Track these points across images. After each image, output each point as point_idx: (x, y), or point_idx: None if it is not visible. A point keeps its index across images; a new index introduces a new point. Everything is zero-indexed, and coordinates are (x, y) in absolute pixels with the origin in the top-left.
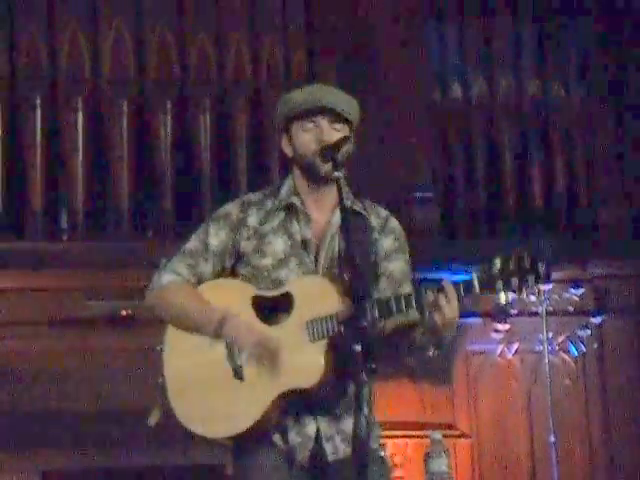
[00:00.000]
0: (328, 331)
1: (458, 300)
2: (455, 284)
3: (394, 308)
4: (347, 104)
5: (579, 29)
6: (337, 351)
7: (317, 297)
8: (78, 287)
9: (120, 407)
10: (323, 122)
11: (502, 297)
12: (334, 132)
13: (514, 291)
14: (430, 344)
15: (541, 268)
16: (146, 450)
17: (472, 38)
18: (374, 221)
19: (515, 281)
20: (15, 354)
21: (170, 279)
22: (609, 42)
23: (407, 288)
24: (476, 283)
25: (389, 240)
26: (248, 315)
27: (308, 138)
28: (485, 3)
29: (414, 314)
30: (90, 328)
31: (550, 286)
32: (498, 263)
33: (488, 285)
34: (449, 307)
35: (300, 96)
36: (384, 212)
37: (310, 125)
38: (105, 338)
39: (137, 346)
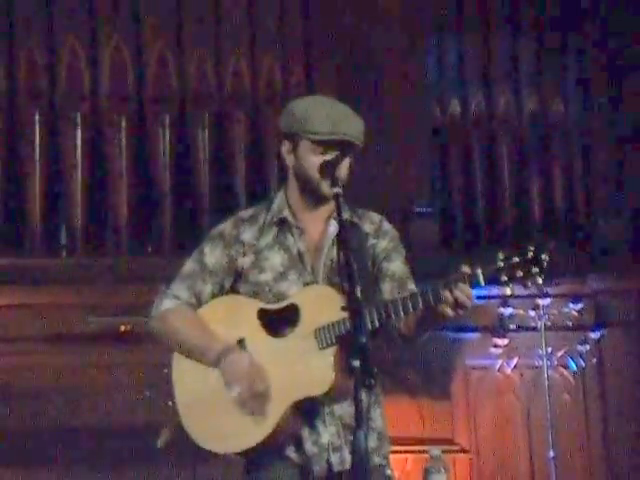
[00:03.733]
0: (337, 337)
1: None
2: (462, 278)
3: (392, 311)
4: (360, 131)
5: (577, 45)
6: (346, 358)
7: (323, 306)
8: (77, 303)
9: (120, 422)
10: (336, 150)
11: (507, 290)
12: (344, 159)
13: (519, 282)
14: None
15: (544, 260)
16: (146, 465)
17: (471, 55)
18: (368, 227)
19: (519, 273)
20: (15, 370)
21: (170, 304)
22: (607, 58)
23: (412, 285)
24: (481, 277)
25: (385, 241)
26: (255, 329)
27: (318, 162)
28: (484, 20)
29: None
30: (89, 344)
31: (549, 301)
32: (502, 256)
33: (493, 277)
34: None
35: (322, 122)
36: (377, 217)
37: (322, 149)
38: (104, 354)
39: (137, 361)
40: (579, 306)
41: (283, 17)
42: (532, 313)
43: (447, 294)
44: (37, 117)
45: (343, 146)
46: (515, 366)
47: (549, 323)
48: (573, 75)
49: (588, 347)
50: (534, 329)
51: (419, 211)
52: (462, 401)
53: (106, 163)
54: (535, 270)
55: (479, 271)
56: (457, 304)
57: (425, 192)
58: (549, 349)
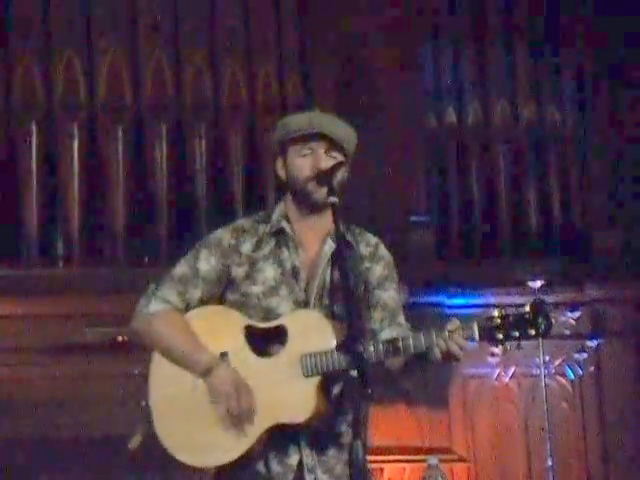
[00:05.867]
0: (323, 367)
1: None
2: (457, 330)
3: (401, 349)
4: (344, 132)
5: (573, 53)
6: (329, 387)
7: (312, 332)
8: (74, 314)
9: (118, 433)
10: (320, 149)
11: (502, 349)
12: (330, 159)
13: (515, 341)
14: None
15: (542, 323)
16: (147, 476)
17: (467, 63)
18: (364, 250)
19: (515, 332)
20: (12, 381)
21: (159, 307)
22: (603, 66)
23: (401, 318)
24: (476, 332)
25: (380, 267)
26: (240, 345)
27: (303, 164)
28: (480, 28)
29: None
30: (87, 354)
31: None
32: (498, 313)
33: (488, 335)
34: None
35: (298, 121)
36: (373, 239)
37: (306, 151)
38: (102, 364)
39: (133, 372)
40: (576, 315)
41: (279, 27)
42: (527, 339)
43: (441, 343)
44: (34, 128)
45: (323, 142)
46: (513, 375)
47: None
48: (569, 84)
49: (586, 355)
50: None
51: (416, 221)
52: (460, 410)
53: (103, 173)
54: (531, 332)
55: (475, 325)
56: (449, 354)
57: (422, 202)
58: (547, 358)
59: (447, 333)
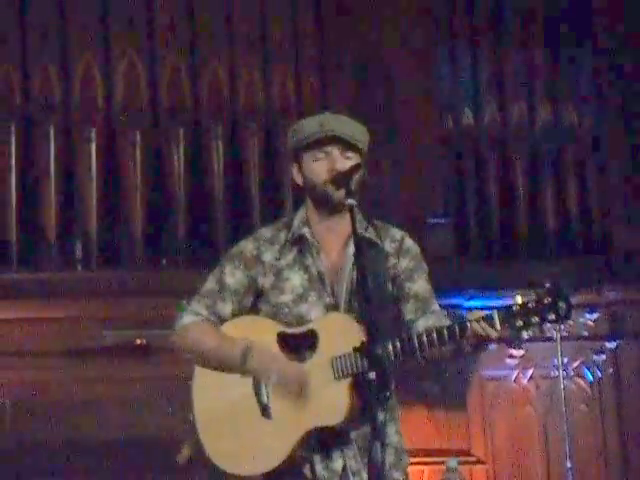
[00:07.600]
0: (353, 368)
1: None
2: (477, 319)
3: (416, 346)
4: (357, 132)
5: (590, 53)
6: (362, 386)
7: (341, 334)
8: (93, 317)
9: (137, 436)
10: (334, 151)
11: (524, 334)
12: (346, 161)
13: (535, 328)
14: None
15: (562, 307)
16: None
17: (484, 64)
18: (388, 246)
19: (535, 319)
20: (31, 384)
21: (190, 319)
22: (621, 66)
23: (435, 306)
24: (497, 319)
25: (406, 261)
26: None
27: (320, 168)
28: (497, 29)
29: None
30: (105, 357)
31: None
32: (519, 300)
33: (508, 322)
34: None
35: (310, 126)
36: (399, 234)
37: (321, 155)
38: (120, 367)
39: (152, 375)
40: (595, 316)
41: (296, 30)
42: (548, 323)
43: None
44: (52, 132)
45: (337, 144)
46: (531, 377)
47: (565, 333)
48: (586, 84)
49: (604, 357)
50: (550, 339)
51: (433, 222)
52: (478, 412)
53: (121, 177)
54: (551, 317)
55: (495, 314)
56: (472, 343)
57: (439, 203)
58: (565, 359)
59: (467, 323)
